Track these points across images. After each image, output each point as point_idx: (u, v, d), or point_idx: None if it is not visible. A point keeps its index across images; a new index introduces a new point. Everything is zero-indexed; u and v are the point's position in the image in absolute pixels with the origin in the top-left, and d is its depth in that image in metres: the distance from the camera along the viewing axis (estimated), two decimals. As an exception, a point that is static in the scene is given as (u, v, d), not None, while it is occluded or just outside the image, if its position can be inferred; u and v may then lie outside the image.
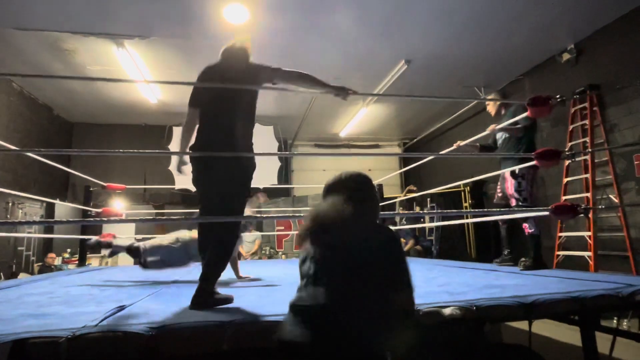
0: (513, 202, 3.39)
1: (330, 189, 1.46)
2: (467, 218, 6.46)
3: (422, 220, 7.13)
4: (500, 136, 3.62)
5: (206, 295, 1.85)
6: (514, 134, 3.42)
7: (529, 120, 3.31)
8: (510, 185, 3.38)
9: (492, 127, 3.42)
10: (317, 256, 1.28)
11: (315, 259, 1.27)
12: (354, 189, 1.42)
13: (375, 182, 5.68)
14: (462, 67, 6.53)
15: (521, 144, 3.40)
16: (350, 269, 1.21)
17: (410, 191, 7.17)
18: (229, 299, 1.89)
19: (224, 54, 2.29)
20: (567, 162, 5.50)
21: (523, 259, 3.31)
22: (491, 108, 3.83)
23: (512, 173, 3.29)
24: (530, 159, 2.99)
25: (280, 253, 9.01)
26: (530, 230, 3.30)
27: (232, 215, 2.06)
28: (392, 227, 6.26)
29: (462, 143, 3.63)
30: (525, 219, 3.26)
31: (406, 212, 7.64)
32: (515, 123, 3.30)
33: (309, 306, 1.18)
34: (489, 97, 3.81)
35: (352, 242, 1.26)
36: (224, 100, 2.07)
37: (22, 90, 7.11)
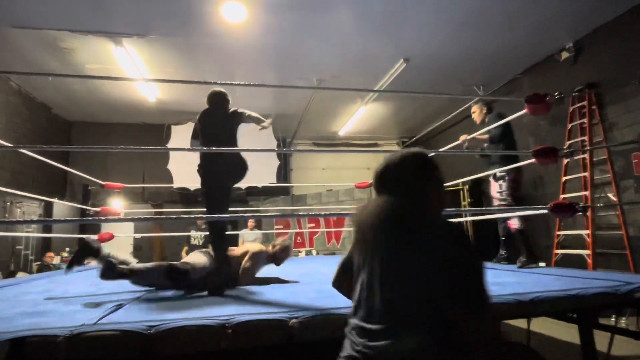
0: (496, 203, 3.51)
1: (378, 178, 1.19)
2: (465, 216, 6.46)
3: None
4: (486, 143, 3.75)
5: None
6: (483, 144, 3.58)
7: (497, 130, 3.46)
8: (493, 187, 3.53)
9: (463, 136, 3.58)
10: (365, 265, 1.09)
11: (365, 269, 1.09)
12: (403, 177, 1.14)
13: (373, 180, 5.64)
14: (460, 66, 6.52)
15: (500, 150, 3.53)
16: (404, 280, 1.00)
17: None
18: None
19: (211, 101, 3.02)
20: (565, 161, 5.51)
21: (522, 257, 3.36)
22: (476, 116, 3.92)
23: (494, 176, 3.46)
24: (510, 162, 3.25)
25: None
26: (515, 226, 3.38)
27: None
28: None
29: (470, 136, 3.68)
30: (510, 217, 3.37)
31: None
32: (489, 131, 3.48)
33: (367, 329, 1.01)
34: (477, 106, 3.89)
35: (405, 248, 1.02)
36: (216, 133, 2.82)
37: (20, 88, 7.09)
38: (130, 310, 1.69)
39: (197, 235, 6.09)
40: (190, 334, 1.34)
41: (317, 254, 8.57)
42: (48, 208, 7.84)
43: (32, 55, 5.82)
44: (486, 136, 3.56)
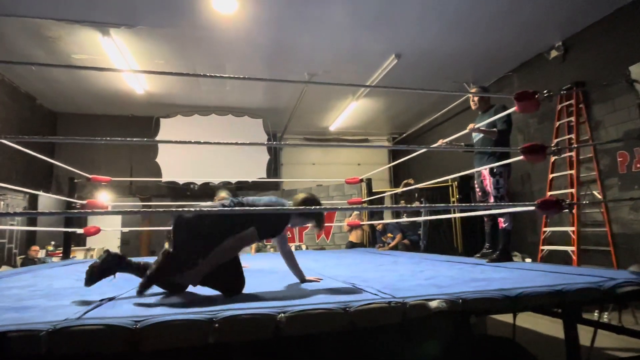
0: (491, 199, 3.47)
1: None
2: (454, 212, 6.51)
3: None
4: (476, 135, 3.67)
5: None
6: (487, 136, 3.49)
7: (506, 125, 3.42)
8: (489, 182, 3.47)
9: (471, 126, 3.49)
10: None
11: None
12: None
13: (363, 176, 5.60)
14: (451, 63, 6.55)
15: (495, 145, 3.47)
16: None
17: (407, 185, 7.16)
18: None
19: None
20: (553, 159, 5.59)
21: (495, 254, 3.36)
22: (474, 103, 3.85)
23: (491, 171, 3.40)
24: (505, 158, 3.18)
25: (268, 246, 8.99)
26: (504, 225, 3.38)
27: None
28: (381, 221, 6.29)
29: (446, 140, 3.67)
30: (502, 214, 3.34)
31: (396, 206, 7.68)
32: (494, 124, 3.40)
33: None
34: (474, 90, 3.82)
35: None
36: None
37: (4, 78, 6.91)
38: (116, 305, 1.66)
39: None
40: (176, 329, 1.32)
41: (307, 249, 8.58)
42: (33, 201, 7.69)
43: (16, 43, 5.68)
44: (495, 130, 3.44)
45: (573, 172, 5.33)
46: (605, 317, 3.77)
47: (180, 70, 6.51)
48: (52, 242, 7.77)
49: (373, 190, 6.02)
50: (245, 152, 8.84)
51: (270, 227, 2.10)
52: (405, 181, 7.20)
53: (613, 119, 5.02)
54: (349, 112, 8.76)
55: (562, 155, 5.42)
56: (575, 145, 5.33)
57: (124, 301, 1.76)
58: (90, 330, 1.27)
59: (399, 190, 6.49)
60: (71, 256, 5.21)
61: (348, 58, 6.35)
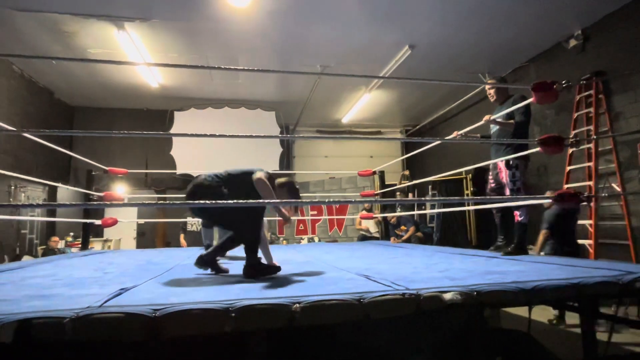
0: (507, 192, 3.41)
1: None
2: (468, 205, 6.45)
3: (423, 207, 7.13)
4: (494, 127, 3.59)
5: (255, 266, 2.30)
6: (504, 128, 3.41)
7: (524, 117, 3.33)
8: (505, 175, 3.40)
9: (486, 117, 3.41)
10: None
11: None
12: None
13: (376, 168, 5.59)
14: (466, 54, 6.44)
15: (513, 137, 3.39)
16: None
17: (404, 176, 7.11)
18: (276, 268, 2.35)
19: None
20: (570, 150, 5.48)
21: (510, 247, 3.31)
22: (491, 95, 3.76)
23: (507, 163, 3.33)
24: (522, 151, 3.10)
25: (281, 239, 9.06)
26: (520, 218, 3.32)
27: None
28: (392, 214, 6.27)
29: (461, 132, 3.61)
30: (518, 207, 3.28)
31: (408, 199, 7.64)
32: (511, 115, 3.30)
33: None
34: (491, 82, 3.72)
35: None
36: None
37: (23, 73, 7.05)
38: (136, 294, 1.71)
39: (194, 222, 6.09)
40: (194, 318, 1.35)
41: (319, 241, 8.62)
42: (52, 193, 7.89)
43: (34, 39, 5.78)
44: (511, 121, 3.37)
45: (591, 164, 5.21)
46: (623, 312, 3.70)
47: (193, 63, 6.56)
48: (71, 233, 7.97)
49: (386, 183, 6.00)
50: (258, 145, 8.88)
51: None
52: (402, 173, 7.12)
53: (634, 110, 4.88)
54: (361, 104, 8.70)
55: (580, 147, 5.30)
56: (594, 137, 5.20)
57: (143, 290, 1.81)
58: (111, 318, 1.31)
59: (399, 185, 6.43)
60: (89, 247, 5.34)
61: (361, 50, 6.29)
